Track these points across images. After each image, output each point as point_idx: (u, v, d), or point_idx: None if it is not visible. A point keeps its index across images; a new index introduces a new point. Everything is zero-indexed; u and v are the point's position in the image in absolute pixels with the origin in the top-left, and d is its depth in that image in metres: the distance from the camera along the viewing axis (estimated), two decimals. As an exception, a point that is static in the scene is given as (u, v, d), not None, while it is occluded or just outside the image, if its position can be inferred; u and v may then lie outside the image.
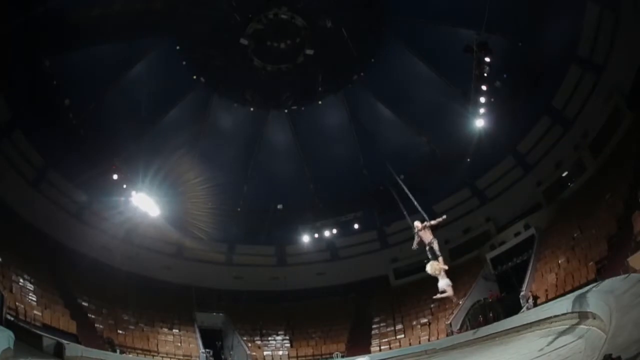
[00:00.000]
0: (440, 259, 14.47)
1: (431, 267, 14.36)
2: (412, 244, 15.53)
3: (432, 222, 14.97)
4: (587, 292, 14.42)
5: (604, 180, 22.67)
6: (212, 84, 29.74)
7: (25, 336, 15.52)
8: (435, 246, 14.64)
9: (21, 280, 20.65)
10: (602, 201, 20.99)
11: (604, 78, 24.82)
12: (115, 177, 26.56)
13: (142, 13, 24.58)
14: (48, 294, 22.01)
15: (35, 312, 18.63)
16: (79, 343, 19.17)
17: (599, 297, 12.20)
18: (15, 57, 21.31)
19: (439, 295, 14.97)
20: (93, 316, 24.73)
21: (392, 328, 29.75)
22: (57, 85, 24.06)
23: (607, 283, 12.96)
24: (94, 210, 30.16)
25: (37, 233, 26.71)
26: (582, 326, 12.27)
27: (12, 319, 16.39)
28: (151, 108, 28.73)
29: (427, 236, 14.82)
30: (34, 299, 20.08)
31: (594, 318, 11.37)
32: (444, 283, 14.47)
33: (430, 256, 14.67)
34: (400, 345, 27.45)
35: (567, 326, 13.76)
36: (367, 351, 27.68)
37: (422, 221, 15.21)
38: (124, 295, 28.58)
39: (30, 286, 20.84)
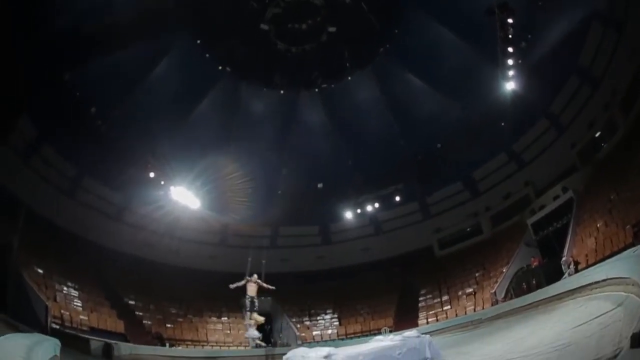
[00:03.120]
0: (255, 314, 17.03)
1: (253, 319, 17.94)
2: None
3: (263, 284, 18.38)
4: (624, 257, 13.98)
5: (636, 139, 21.63)
6: (239, 72, 29.84)
7: (73, 342, 15.99)
8: (256, 302, 17.84)
9: (65, 288, 21.36)
10: (636, 162, 20.16)
11: (626, 33, 23.66)
12: (151, 174, 27.17)
13: (155, 14, 24.69)
14: (93, 298, 22.83)
15: (81, 317, 19.34)
16: (128, 341, 19.76)
17: (636, 262, 11.82)
18: (33, 77, 21.79)
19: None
20: (140, 313, 25.56)
21: (439, 299, 29.48)
22: (81, 95, 24.67)
23: (644, 247, 12.51)
24: (133, 210, 31.03)
25: (77, 239, 27.46)
26: (621, 293, 11.91)
27: (57, 327, 17.07)
28: (180, 103, 29.28)
29: (253, 290, 17.95)
30: (79, 304, 20.81)
31: (632, 284, 11.00)
32: (252, 332, 17.62)
33: (247, 307, 17.59)
34: (447, 317, 27.23)
35: (606, 293, 13.41)
36: (414, 324, 27.46)
37: (257, 276, 18.53)
38: (170, 289, 29.49)
39: (74, 292, 21.60)
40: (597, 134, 26.74)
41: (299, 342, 28.70)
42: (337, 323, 31.48)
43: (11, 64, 16.94)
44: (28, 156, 25.31)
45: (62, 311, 18.35)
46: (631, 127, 22.90)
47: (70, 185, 28.25)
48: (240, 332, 28.32)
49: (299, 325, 31.07)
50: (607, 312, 10.60)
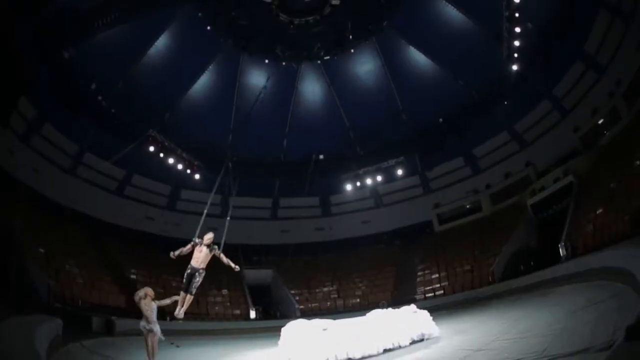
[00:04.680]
0: (188, 298, 11.37)
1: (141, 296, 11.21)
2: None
3: (222, 256, 11.77)
4: (622, 248, 14.08)
5: (638, 131, 21.60)
6: (240, 44, 29.42)
7: (75, 320, 16.26)
8: (199, 280, 11.49)
9: (67, 266, 21.56)
10: (637, 153, 20.09)
11: (633, 26, 23.38)
12: (151, 148, 27.29)
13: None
14: (95, 274, 23.08)
15: (83, 294, 19.60)
16: (129, 317, 19.97)
17: (633, 254, 11.93)
18: (33, 57, 21.62)
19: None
20: (142, 287, 25.59)
21: (437, 275, 29.67)
22: (81, 72, 24.59)
23: (642, 241, 12.57)
24: (134, 184, 31.38)
25: (79, 217, 27.83)
26: (617, 284, 12.06)
27: (59, 305, 17.32)
28: (181, 76, 29.24)
29: (202, 259, 11.56)
30: (81, 281, 21.03)
31: (629, 276, 11.13)
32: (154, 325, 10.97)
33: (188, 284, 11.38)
34: (444, 293, 27.58)
35: (603, 282, 13.55)
36: (412, 300, 27.75)
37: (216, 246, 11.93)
38: (171, 262, 29.55)
39: (76, 270, 21.75)
40: (600, 121, 26.60)
41: (298, 314, 29.01)
42: (335, 295, 31.80)
43: (10, 46, 16.81)
44: (28, 136, 25.46)
45: (64, 290, 18.61)
46: (635, 118, 22.80)
47: (71, 162, 28.36)
48: (240, 304, 28.74)
49: (298, 297, 31.30)
50: (603, 301, 10.77)
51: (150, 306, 11.15)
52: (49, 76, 23.95)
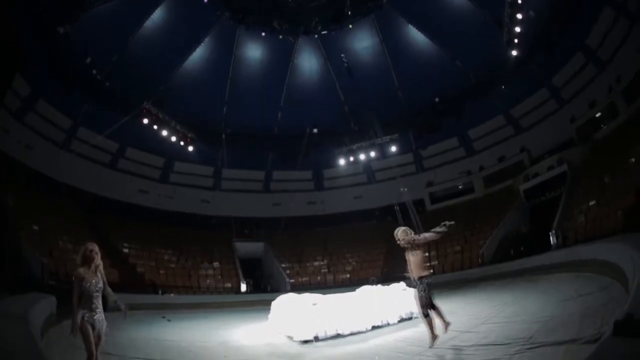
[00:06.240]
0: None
1: None
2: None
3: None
4: (613, 242, 14.12)
5: (636, 129, 21.47)
6: (238, 16, 29.11)
7: (69, 297, 16.20)
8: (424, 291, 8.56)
9: (60, 242, 21.56)
10: (633, 150, 20.14)
11: (637, 26, 23.20)
12: (145, 120, 27.07)
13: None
14: (88, 249, 22.90)
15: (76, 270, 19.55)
16: (121, 291, 20.01)
17: (624, 249, 11.99)
18: (26, 35, 21.22)
19: None
20: (134, 261, 25.83)
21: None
22: (76, 47, 24.39)
23: (634, 238, 12.67)
24: (128, 156, 31.32)
25: (72, 192, 27.72)
26: (606, 277, 12.17)
27: (53, 283, 17.30)
28: (177, 48, 29.03)
29: (415, 263, 8.67)
30: (75, 257, 20.92)
31: (618, 272, 11.25)
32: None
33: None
34: (433, 272, 27.55)
35: (592, 274, 13.66)
36: (401, 277, 27.85)
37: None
38: (164, 235, 29.81)
39: (70, 246, 21.59)
40: (598, 115, 26.62)
41: (288, 287, 28.98)
42: (326, 270, 31.96)
43: (4, 23, 16.45)
44: (22, 113, 25.18)
45: (57, 266, 18.58)
46: (633, 116, 22.88)
47: (64, 137, 28.15)
48: (231, 277, 28.89)
49: (288, 271, 31.38)
50: (591, 294, 10.82)
51: (94, 280, 6.40)
52: (43, 51, 23.66)
